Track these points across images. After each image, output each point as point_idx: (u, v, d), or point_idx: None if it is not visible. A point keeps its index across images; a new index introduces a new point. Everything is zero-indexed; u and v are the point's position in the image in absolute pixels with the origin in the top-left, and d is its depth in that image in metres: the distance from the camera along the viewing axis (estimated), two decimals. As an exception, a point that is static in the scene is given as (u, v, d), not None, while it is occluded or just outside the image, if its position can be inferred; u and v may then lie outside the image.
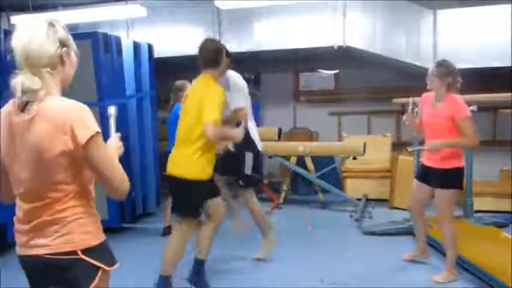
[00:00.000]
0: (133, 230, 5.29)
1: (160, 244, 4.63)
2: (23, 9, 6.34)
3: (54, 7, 6.20)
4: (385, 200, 6.10)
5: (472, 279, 3.57)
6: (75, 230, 1.56)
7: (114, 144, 1.80)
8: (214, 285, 3.45)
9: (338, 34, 5.95)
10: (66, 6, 6.28)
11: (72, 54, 1.63)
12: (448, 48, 5.81)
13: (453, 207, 3.55)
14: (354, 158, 5.97)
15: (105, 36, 4.95)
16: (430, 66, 3.51)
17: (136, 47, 5.57)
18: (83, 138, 1.50)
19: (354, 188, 6.35)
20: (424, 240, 3.95)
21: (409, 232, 4.46)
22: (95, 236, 1.63)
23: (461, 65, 5.83)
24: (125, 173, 1.66)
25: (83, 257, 1.56)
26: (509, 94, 4.42)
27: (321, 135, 7.32)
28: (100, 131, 1.56)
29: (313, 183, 6.30)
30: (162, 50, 6.14)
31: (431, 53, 5.84)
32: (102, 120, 5.54)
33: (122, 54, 5.22)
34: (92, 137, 1.52)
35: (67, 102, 1.57)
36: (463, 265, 3.74)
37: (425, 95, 3.62)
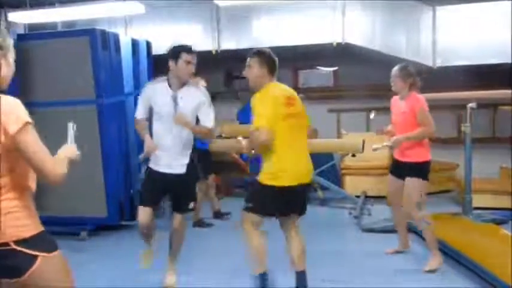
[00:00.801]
0: (132, 228, 5.27)
1: (160, 241, 4.63)
2: (20, 6, 6.31)
3: (51, 4, 6.16)
4: (384, 197, 6.06)
5: (471, 276, 3.57)
6: (8, 223, 1.66)
7: (68, 149, 1.92)
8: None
9: (337, 31, 5.94)
10: (64, 2, 6.24)
11: (9, 56, 1.76)
12: (447, 45, 5.81)
13: (420, 197, 3.72)
14: (353, 155, 5.96)
15: (103, 33, 4.93)
16: (393, 69, 3.80)
17: (134, 44, 5.54)
18: (13, 129, 1.59)
19: (353, 185, 6.35)
20: (405, 232, 4.12)
21: (408, 229, 4.46)
22: (31, 228, 1.74)
23: (460, 61, 5.89)
24: (57, 163, 1.78)
25: (16, 247, 1.66)
26: (509, 91, 4.42)
27: (320, 132, 7.30)
28: (31, 121, 1.65)
29: (312, 180, 6.28)
30: (160, 47, 6.11)
31: (430, 49, 5.83)
32: (100, 117, 5.54)
33: (120, 51, 5.19)
34: (22, 127, 1.61)
35: None
36: (462, 262, 3.74)
37: (394, 98, 3.92)
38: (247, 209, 3.02)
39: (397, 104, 3.85)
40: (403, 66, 3.81)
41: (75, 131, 2.02)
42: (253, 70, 3.05)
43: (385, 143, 3.92)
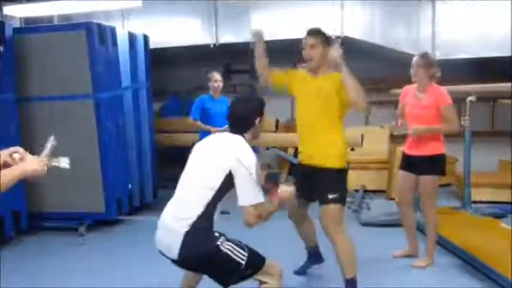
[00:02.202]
0: (130, 223, 5.26)
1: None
2: (16, -1, 6.25)
3: (48, -3, 6.10)
4: (383, 191, 6.09)
5: (471, 271, 3.56)
6: None
7: (32, 162, 1.82)
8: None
9: (336, 24, 5.90)
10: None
11: None
12: (446, 38, 5.78)
13: (436, 194, 3.66)
14: (352, 149, 5.94)
15: (100, 26, 4.88)
16: (414, 58, 3.57)
17: (131, 37, 5.50)
18: None
19: (352, 179, 6.31)
20: (415, 235, 3.87)
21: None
22: None
23: (460, 55, 5.86)
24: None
25: None
26: (510, 84, 4.40)
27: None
28: None
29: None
30: (158, 41, 6.08)
31: (430, 43, 5.80)
32: (97, 111, 5.52)
33: (117, 45, 5.15)
34: None
35: None
36: (461, 256, 3.73)
37: (406, 87, 3.71)
38: (335, 201, 2.94)
39: (414, 95, 3.58)
40: (425, 54, 3.58)
41: (53, 146, 1.98)
42: (319, 49, 3.01)
43: (401, 129, 3.72)
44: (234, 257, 2.28)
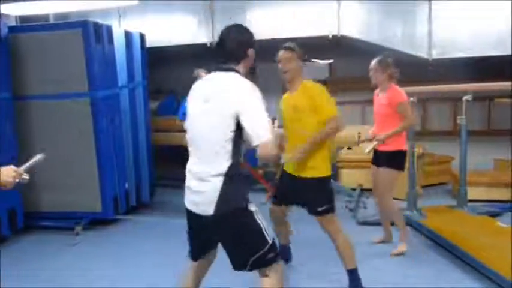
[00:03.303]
0: (127, 222, 5.25)
1: (155, 236, 4.61)
2: (12, -3, 6.22)
3: (43, -5, 6.08)
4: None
5: (467, 269, 3.57)
6: None
7: (8, 171, 1.89)
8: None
9: (333, 23, 5.90)
10: (56, -6, 6.16)
11: None
12: (443, 37, 5.79)
13: (394, 186, 3.90)
14: (349, 148, 5.96)
15: (96, 25, 4.87)
16: (371, 63, 3.89)
17: (128, 36, 5.48)
18: None
19: (349, 178, 6.34)
20: (389, 223, 4.16)
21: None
22: None
23: (456, 54, 5.87)
24: None
25: None
26: (508, 83, 4.41)
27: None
28: None
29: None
30: (154, 40, 6.06)
31: (426, 42, 5.81)
32: (93, 110, 5.50)
33: (113, 43, 5.14)
34: None
35: None
36: (458, 255, 3.74)
37: (376, 91, 4.01)
38: (326, 213, 3.09)
39: (377, 95, 3.97)
40: (380, 59, 3.88)
41: (37, 162, 2.03)
42: (293, 63, 3.16)
43: (372, 144, 3.96)
44: (264, 232, 2.23)
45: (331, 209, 3.09)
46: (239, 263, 2.28)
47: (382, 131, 3.84)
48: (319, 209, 3.06)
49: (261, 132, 2.10)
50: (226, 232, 2.27)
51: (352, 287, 3.17)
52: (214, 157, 2.20)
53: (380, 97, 3.91)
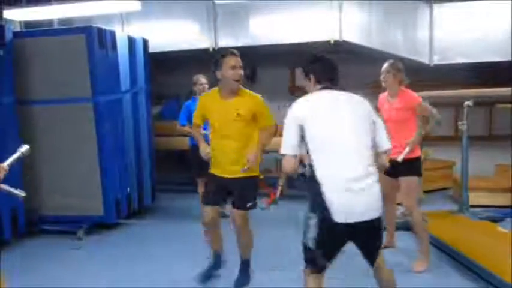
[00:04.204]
0: (129, 226, 5.27)
1: (156, 239, 4.63)
2: (16, 3, 6.26)
3: (47, 1, 6.13)
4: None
5: (468, 274, 3.57)
6: None
7: None
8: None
9: (334, 29, 5.93)
10: (60, 0, 6.21)
11: None
12: (444, 43, 5.81)
13: (417, 194, 3.88)
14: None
15: (100, 30, 4.91)
16: (384, 66, 3.84)
17: (131, 41, 5.52)
18: None
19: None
20: (393, 228, 4.17)
21: (406, 227, 4.46)
22: None
23: (457, 59, 5.89)
24: None
25: None
26: (509, 89, 4.43)
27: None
28: None
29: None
30: (157, 45, 6.10)
31: (427, 47, 5.83)
32: (96, 115, 5.52)
33: (116, 49, 5.17)
34: None
35: None
36: (459, 260, 3.75)
37: (380, 97, 3.98)
38: (252, 207, 3.35)
39: (387, 101, 3.88)
40: (393, 62, 3.87)
41: (22, 155, 2.04)
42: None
43: (406, 150, 3.72)
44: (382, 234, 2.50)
45: (254, 206, 3.38)
46: (373, 260, 2.59)
47: (398, 137, 3.54)
48: (248, 205, 3.32)
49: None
50: (367, 237, 2.48)
51: (245, 277, 3.41)
52: (359, 155, 2.46)
53: (392, 102, 3.82)
